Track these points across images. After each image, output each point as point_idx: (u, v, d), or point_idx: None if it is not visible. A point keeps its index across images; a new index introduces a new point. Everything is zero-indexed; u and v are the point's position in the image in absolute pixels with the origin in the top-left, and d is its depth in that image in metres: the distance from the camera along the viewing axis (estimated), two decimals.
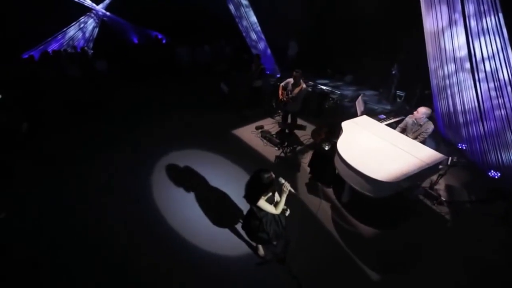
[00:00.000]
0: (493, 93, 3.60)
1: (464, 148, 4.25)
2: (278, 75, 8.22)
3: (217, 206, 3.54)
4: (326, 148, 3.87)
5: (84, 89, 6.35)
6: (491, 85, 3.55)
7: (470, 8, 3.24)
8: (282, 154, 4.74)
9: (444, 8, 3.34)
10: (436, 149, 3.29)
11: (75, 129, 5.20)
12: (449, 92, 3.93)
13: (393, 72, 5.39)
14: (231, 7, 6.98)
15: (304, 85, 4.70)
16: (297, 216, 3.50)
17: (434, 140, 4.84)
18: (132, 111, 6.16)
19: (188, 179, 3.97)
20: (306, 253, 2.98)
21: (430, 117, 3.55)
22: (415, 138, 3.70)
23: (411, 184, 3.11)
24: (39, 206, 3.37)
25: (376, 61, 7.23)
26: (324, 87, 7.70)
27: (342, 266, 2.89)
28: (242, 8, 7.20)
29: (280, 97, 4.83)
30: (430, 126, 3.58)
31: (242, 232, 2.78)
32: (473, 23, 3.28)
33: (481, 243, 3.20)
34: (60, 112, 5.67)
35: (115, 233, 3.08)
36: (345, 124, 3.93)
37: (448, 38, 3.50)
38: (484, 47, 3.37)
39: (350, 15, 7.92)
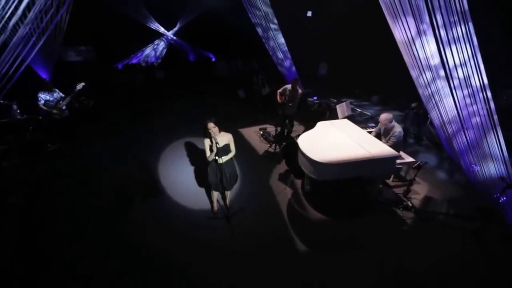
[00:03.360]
0: (467, 100, 3.44)
1: (476, 169, 3.88)
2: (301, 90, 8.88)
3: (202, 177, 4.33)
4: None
5: (142, 90, 8.58)
6: (465, 92, 3.43)
7: (439, 19, 3.38)
8: (271, 150, 5.32)
9: (411, 20, 3.55)
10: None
11: (126, 112, 7.07)
12: (433, 101, 3.87)
13: (413, 105, 5.42)
14: (259, 30, 8.23)
15: (300, 91, 5.33)
16: (259, 193, 4.03)
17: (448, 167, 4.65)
18: (169, 105, 7.85)
19: (191, 154, 5.01)
20: (253, 222, 3.44)
21: None
22: (386, 142, 3.82)
23: (356, 172, 3.27)
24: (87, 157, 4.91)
25: (404, 82, 7.14)
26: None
27: (279, 242, 3.15)
28: (271, 32, 8.36)
29: (279, 100, 5.52)
30: (397, 130, 3.69)
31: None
32: (442, 32, 3.38)
33: (426, 252, 3.03)
34: (120, 101, 7.75)
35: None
36: (320, 123, 4.33)
37: (420, 47, 3.63)
38: (456, 54, 3.38)
39: (378, 37, 8.15)
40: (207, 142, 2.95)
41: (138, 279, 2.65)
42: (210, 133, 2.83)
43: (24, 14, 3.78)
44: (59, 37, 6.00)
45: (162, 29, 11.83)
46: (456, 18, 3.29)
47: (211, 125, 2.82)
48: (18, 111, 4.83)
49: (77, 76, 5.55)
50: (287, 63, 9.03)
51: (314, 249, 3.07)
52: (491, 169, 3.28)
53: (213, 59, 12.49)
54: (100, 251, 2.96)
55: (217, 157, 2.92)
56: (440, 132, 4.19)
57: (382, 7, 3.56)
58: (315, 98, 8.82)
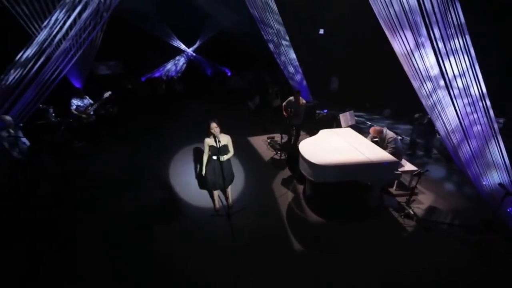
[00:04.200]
0: (468, 109, 3.44)
1: (487, 183, 3.78)
2: (311, 102, 9.12)
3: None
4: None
5: (162, 101, 9.30)
6: (465, 101, 3.44)
7: (436, 32, 3.51)
8: (277, 157, 5.51)
9: (409, 33, 3.70)
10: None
11: (146, 119, 7.65)
12: (436, 111, 3.89)
13: (416, 116, 5.46)
14: (271, 45, 8.71)
15: (303, 101, 5.56)
16: (260, 196, 4.19)
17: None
18: (185, 114, 8.37)
19: (198, 158, 5.32)
20: (253, 221, 3.58)
21: None
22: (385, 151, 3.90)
23: (353, 176, 3.34)
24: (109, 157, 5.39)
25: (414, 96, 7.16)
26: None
27: (277, 241, 3.25)
28: (282, 47, 8.82)
29: (284, 113, 5.78)
30: (388, 134, 3.78)
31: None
32: (440, 44, 3.49)
33: (423, 259, 2.97)
34: (141, 110, 8.42)
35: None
36: (323, 131, 4.49)
37: (419, 58, 3.74)
38: (454, 65, 3.45)
39: (389, 52, 8.30)
40: (207, 141, 3.23)
41: (139, 275, 2.78)
42: (212, 132, 3.11)
43: (66, 31, 4.46)
44: (93, 52, 6.81)
45: (183, 46, 12.83)
46: (453, 31, 3.43)
47: (213, 125, 3.10)
48: (53, 114, 5.48)
49: (105, 86, 6.23)
50: (298, 77, 9.37)
51: (310, 249, 3.13)
52: (495, 177, 3.21)
53: (229, 74, 13.19)
54: (106, 239, 3.24)
55: (215, 156, 3.18)
56: (446, 142, 4.16)
57: (380, 21, 3.78)
58: (325, 110, 8.98)
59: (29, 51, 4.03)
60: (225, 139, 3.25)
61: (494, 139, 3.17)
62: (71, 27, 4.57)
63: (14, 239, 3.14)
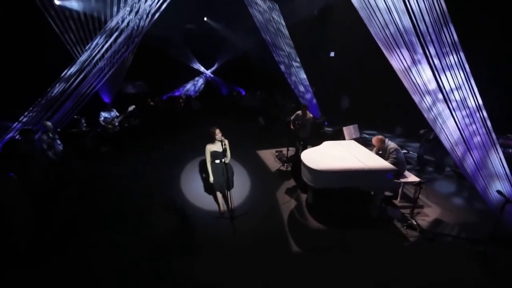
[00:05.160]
0: (467, 120, 3.48)
1: (494, 195, 3.69)
2: (318, 118, 9.39)
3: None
4: None
5: (179, 116, 10.02)
6: (463, 112, 3.51)
7: (431, 50, 3.72)
8: (283, 168, 5.70)
9: (405, 51, 3.93)
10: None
11: (164, 133, 8.24)
12: (438, 124, 3.95)
13: (421, 132, 5.52)
14: (282, 66, 9.30)
15: (310, 115, 5.85)
16: (264, 202, 4.36)
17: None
18: (200, 127, 8.88)
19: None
20: (255, 225, 3.73)
21: None
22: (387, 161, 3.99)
23: (352, 183, 3.44)
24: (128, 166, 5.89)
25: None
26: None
27: (275, 243, 3.37)
28: (293, 68, 9.37)
29: (292, 126, 6.06)
30: (390, 144, 3.89)
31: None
32: (436, 61, 3.68)
33: (423, 270, 2.91)
34: (161, 124, 9.10)
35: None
36: (326, 142, 4.68)
37: (417, 74, 3.92)
38: (451, 79, 3.58)
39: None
40: (208, 148, 3.54)
41: (142, 275, 2.92)
42: (216, 138, 3.45)
43: (103, 54, 5.24)
44: (123, 72, 7.72)
45: (202, 68, 13.93)
46: (447, 48, 3.65)
47: (217, 131, 3.46)
48: (85, 124, 6.19)
49: (129, 102, 6.98)
50: (308, 95, 9.76)
51: (309, 254, 3.19)
52: (498, 187, 3.17)
53: (243, 93, 13.94)
54: (115, 237, 3.53)
55: (218, 160, 3.48)
56: (452, 155, 4.16)
57: (377, 41, 4.09)
58: (325, 123, 9.11)
59: (72, 69, 4.78)
60: (226, 143, 3.56)
61: (494, 149, 3.19)
62: (107, 50, 5.37)
63: (42, 226, 3.54)
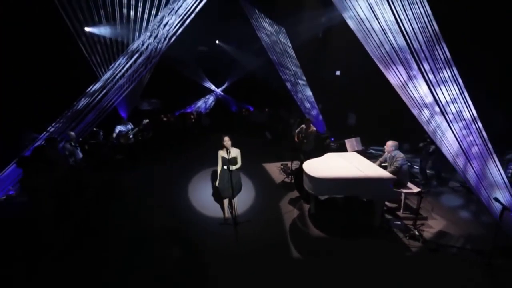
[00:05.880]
0: (464, 132, 3.55)
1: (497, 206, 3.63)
2: (323, 132, 9.58)
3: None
4: None
5: (189, 131, 10.51)
6: (460, 124, 3.59)
7: (426, 66, 3.91)
8: (287, 180, 5.83)
9: (401, 68, 4.15)
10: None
11: (175, 145, 8.64)
12: (437, 136, 4.03)
13: (421, 145, 5.61)
14: (288, 84, 9.73)
15: (314, 128, 6.07)
16: (267, 210, 4.47)
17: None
18: (208, 141, 9.24)
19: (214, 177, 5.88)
20: (257, 231, 3.84)
21: None
22: (390, 167, 4.08)
23: (350, 191, 3.53)
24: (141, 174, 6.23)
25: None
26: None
27: (277, 249, 3.44)
28: (299, 86, 9.78)
29: (296, 139, 6.28)
30: (399, 156, 3.96)
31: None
32: (431, 76, 3.86)
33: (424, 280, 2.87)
34: (172, 137, 9.55)
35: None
36: (328, 154, 4.83)
37: (413, 88, 4.09)
38: (446, 93, 3.73)
39: None
40: (220, 153, 3.79)
41: (147, 277, 3.03)
42: (224, 145, 3.69)
43: (123, 73, 5.82)
44: (140, 90, 8.37)
45: (213, 87, 14.68)
46: (441, 64, 3.86)
47: (226, 138, 3.70)
48: (102, 136, 6.67)
49: (144, 116, 7.51)
50: (314, 112, 10.04)
51: (309, 261, 3.23)
52: (498, 197, 3.17)
53: (251, 109, 14.45)
54: (123, 241, 3.71)
55: (225, 166, 3.70)
56: (456, 167, 4.17)
57: (374, 59, 4.37)
58: (332, 138, 9.22)
59: (96, 86, 5.33)
60: (235, 152, 3.79)
61: (491, 158, 3.24)
62: (127, 69, 5.95)
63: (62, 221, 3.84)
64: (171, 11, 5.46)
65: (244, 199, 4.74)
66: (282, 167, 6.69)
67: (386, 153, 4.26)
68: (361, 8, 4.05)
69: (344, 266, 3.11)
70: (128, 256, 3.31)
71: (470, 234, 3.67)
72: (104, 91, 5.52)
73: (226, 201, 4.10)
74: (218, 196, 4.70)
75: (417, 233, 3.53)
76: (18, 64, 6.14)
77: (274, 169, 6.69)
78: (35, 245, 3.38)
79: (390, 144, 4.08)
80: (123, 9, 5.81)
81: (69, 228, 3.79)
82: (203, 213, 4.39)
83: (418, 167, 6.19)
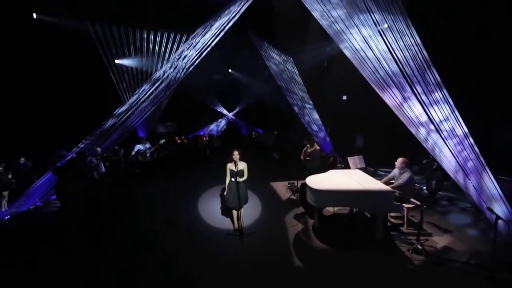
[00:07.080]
0: (458, 147, 3.70)
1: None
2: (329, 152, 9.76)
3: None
4: None
5: (201, 152, 11.07)
6: (454, 140, 3.76)
7: (418, 89, 4.24)
8: (293, 197, 6.01)
9: (395, 90, 4.48)
10: None
11: (188, 164, 9.10)
12: (436, 153, 4.18)
13: (424, 162, 5.71)
14: (296, 108, 10.27)
15: (317, 147, 6.37)
16: (272, 224, 4.65)
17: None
18: (219, 161, 9.67)
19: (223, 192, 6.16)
20: (262, 242, 4.00)
21: None
22: (395, 182, 4.24)
23: (350, 203, 3.68)
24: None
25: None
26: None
27: (280, 261, 3.54)
28: (306, 110, 10.29)
29: (302, 157, 6.57)
30: (406, 174, 4.15)
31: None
32: (424, 97, 4.16)
33: None
34: (186, 157, 10.07)
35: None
36: (331, 171, 5.06)
37: (409, 108, 4.37)
38: (439, 112, 3.98)
39: None
40: (228, 166, 4.13)
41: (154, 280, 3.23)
42: (233, 158, 4.05)
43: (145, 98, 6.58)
44: (158, 113, 9.16)
45: (225, 111, 15.57)
46: (432, 87, 4.20)
47: (235, 152, 4.08)
48: (122, 154, 7.28)
49: (160, 137, 8.18)
50: (322, 134, 10.37)
51: (311, 273, 3.31)
52: (497, 210, 3.23)
53: (260, 132, 15.01)
54: (133, 246, 4.00)
55: (233, 178, 4.02)
56: (458, 183, 4.24)
57: (370, 82, 4.78)
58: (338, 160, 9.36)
59: (122, 108, 6.04)
60: (242, 165, 4.13)
61: (485, 171, 3.37)
62: (149, 95, 6.72)
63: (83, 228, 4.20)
64: (190, 46, 6.30)
65: (251, 213, 4.95)
66: (289, 185, 6.89)
67: (395, 169, 4.44)
68: (356, 40, 4.57)
69: (347, 278, 3.18)
70: (135, 262, 3.54)
71: (476, 250, 3.64)
72: (129, 113, 6.22)
73: (235, 214, 4.34)
74: (226, 209, 4.96)
75: (419, 247, 3.56)
76: (58, 90, 7.14)
77: (281, 187, 6.89)
78: (58, 249, 3.74)
79: (400, 161, 4.28)
80: (150, 44, 6.78)
81: (90, 235, 4.14)
82: (211, 224, 4.62)
83: (425, 187, 6.20)
